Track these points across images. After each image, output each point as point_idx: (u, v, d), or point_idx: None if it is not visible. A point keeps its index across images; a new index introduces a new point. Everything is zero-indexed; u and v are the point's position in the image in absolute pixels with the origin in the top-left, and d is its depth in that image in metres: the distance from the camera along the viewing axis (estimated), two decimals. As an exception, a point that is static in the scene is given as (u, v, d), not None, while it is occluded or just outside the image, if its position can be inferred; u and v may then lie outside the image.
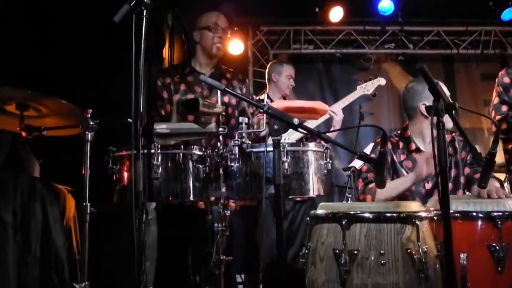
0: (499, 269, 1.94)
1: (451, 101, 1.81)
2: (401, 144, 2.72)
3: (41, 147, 2.41)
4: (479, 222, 2.03)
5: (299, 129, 1.96)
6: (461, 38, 5.50)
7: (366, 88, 3.62)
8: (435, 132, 1.72)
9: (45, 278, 2.18)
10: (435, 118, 1.71)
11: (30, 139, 2.13)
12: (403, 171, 2.67)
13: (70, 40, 3.03)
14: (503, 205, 2.05)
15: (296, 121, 1.90)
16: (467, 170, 2.70)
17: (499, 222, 1.97)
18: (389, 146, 2.66)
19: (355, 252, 1.86)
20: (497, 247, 1.95)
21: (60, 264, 2.22)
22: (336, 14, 5.03)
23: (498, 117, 3.07)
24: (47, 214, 2.25)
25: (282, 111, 1.96)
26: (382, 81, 3.63)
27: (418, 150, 2.67)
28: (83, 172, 1.97)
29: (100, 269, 2.14)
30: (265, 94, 2.59)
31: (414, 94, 2.68)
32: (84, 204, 1.95)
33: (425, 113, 2.61)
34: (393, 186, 2.55)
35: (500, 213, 2.00)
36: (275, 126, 1.91)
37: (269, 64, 4.20)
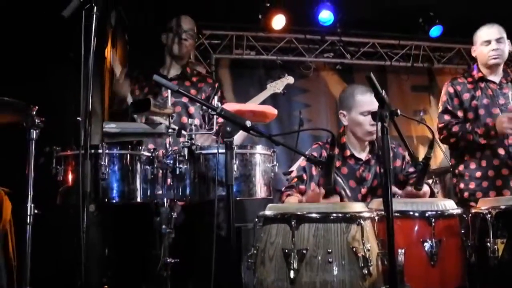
0: (432, 263, 2.12)
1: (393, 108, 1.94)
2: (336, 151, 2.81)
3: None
4: (415, 221, 2.20)
5: (251, 132, 2.01)
6: (393, 51, 5.82)
7: (276, 86, 3.61)
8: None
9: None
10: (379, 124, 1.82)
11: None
12: (339, 178, 2.74)
13: (14, 34, 2.87)
14: (436, 205, 2.25)
15: (248, 123, 1.94)
16: (401, 176, 2.86)
17: (433, 220, 2.16)
18: (324, 153, 2.72)
19: (304, 251, 1.91)
20: (430, 243, 2.13)
21: (-4, 272, 2.09)
22: (278, 21, 5.12)
23: (440, 125, 3.15)
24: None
25: (234, 113, 2.00)
26: (290, 79, 3.67)
27: (352, 156, 2.78)
28: (26, 172, 1.88)
29: (42, 274, 2.04)
30: (216, 97, 2.60)
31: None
32: (27, 205, 1.86)
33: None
34: None
35: (433, 212, 2.19)
36: (228, 128, 1.93)
37: None
